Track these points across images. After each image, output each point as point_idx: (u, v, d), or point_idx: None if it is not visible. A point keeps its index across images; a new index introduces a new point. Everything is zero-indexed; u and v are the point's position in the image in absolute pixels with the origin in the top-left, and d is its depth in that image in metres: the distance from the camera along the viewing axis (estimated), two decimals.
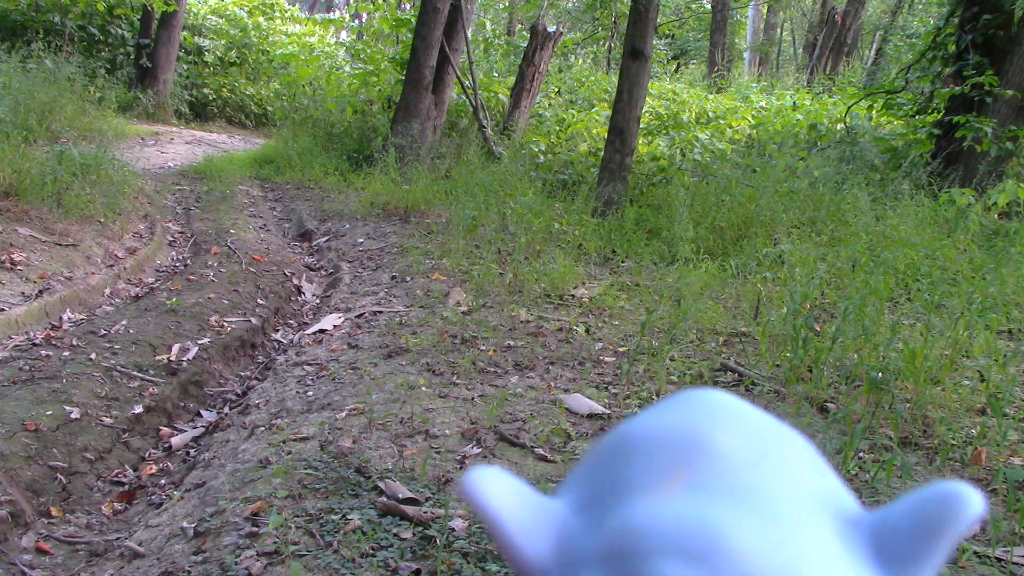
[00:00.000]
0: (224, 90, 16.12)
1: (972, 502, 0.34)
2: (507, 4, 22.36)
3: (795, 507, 0.36)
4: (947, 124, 6.61)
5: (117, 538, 2.50)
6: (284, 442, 2.80)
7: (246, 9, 17.46)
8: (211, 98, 15.87)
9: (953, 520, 0.34)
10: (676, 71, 21.29)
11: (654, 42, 8.16)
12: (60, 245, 5.05)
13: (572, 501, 0.39)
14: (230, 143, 13.38)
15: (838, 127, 8.84)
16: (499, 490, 0.37)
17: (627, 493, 0.37)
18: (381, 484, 2.40)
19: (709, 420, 0.41)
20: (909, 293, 4.14)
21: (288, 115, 12.67)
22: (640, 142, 7.87)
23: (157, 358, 3.82)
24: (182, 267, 5.70)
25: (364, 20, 20.13)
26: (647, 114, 10.00)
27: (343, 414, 3.00)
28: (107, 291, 4.87)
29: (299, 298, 5.43)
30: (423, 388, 3.26)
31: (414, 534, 2.14)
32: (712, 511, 0.35)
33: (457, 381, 3.36)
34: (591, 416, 2.97)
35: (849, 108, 8.78)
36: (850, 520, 0.37)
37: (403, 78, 9.91)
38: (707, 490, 0.36)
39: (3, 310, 4.01)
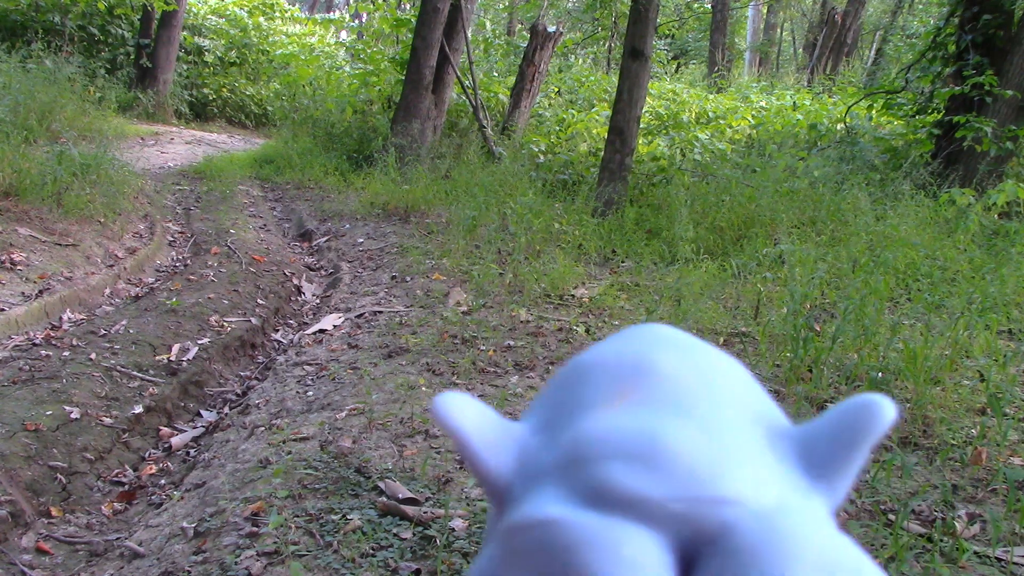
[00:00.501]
0: (224, 90, 16.12)
1: (885, 410, 0.38)
2: (507, 4, 22.36)
3: (730, 419, 0.40)
4: (947, 124, 6.61)
5: (117, 538, 2.50)
6: (284, 442, 2.80)
7: (246, 9, 17.46)
8: (211, 98, 15.87)
9: (868, 428, 0.38)
10: (676, 71, 21.29)
11: (654, 42, 8.16)
12: (60, 245, 5.05)
13: (532, 423, 0.43)
14: (230, 143, 13.39)
15: (838, 127, 8.83)
16: (466, 413, 0.40)
17: (579, 412, 0.41)
18: (381, 484, 2.40)
19: (653, 347, 0.45)
20: (909, 293, 4.14)
21: (288, 115, 12.67)
22: (640, 142, 7.86)
23: (157, 358, 3.82)
24: (182, 267, 5.70)
25: (364, 20, 20.14)
26: (647, 114, 10.00)
27: (343, 414, 3.00)
28: (107, 291, 4.87)
29: (299, 298, 5.43)
30: (423, 388, 3.26)
31: (414, 534, 2.14)
32: (654, 420, 0.38)
33: (457, 381, 3.36)
34: None
35: (849, 108, 8.78)
36: (780, 432, 0.41)
37: (403, 78, 9.91)
38: (650, 405, 0.40)
39: (3, 310, 4.01)
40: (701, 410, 0.40)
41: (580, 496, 0.36)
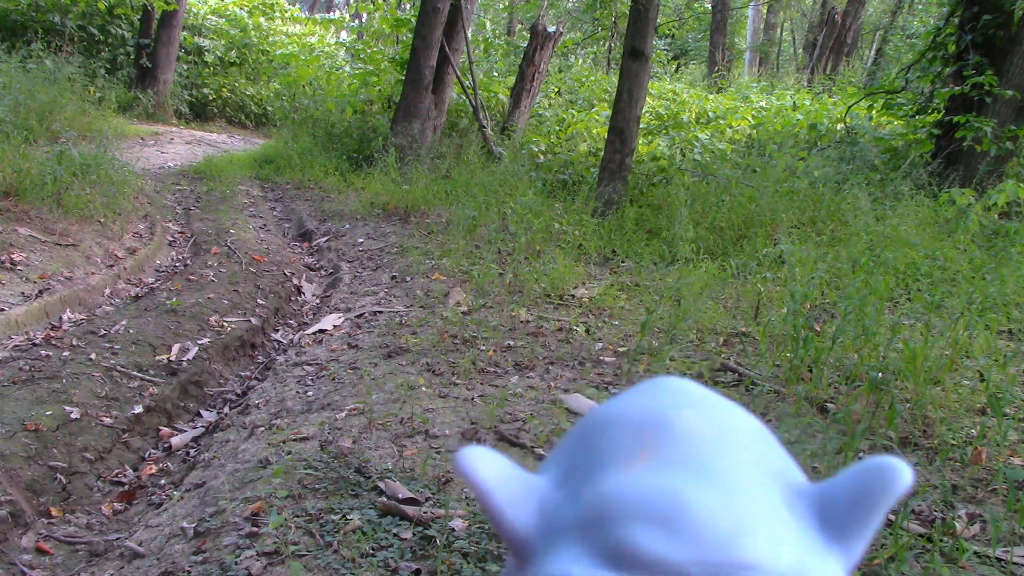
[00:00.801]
0: (224, 90, 16.12)
1: (903, 475, 0.39)
2: (507, 4, 22.36)
3: (748, 479, 0.40)
4: (947, 124, 6.61)
5: (117, 538, 2.50)
6: (284, 442, 2.80)
7: (246, 9, 17.45)
8: (211, 98, 15.87)
9: (886, 491, 0.39)
10: (676, 71, 21.29)
11: (654, 42, 8.16)
12: (60, 245, 5.05)
13: (552, 477, 0.43)
14: (230, 143, 13.39)
15: (838, 127, 8.83)
16: (488, 467, 0.41)
17: (600, 468, 0.42)
18: (381, 484, 2.40)
19: (672, 403, 0.46)
20: (909, 293, 4.14)
21: (288, 115, 12.67)
22: (640, 142, 7.86)
23: (157, 358, 3.82)
24: (182, 267, 5.70)
25: (364, 20, 20.14)
26: (647, 114, 9.99)
27: (343, 414, 3.00)
28: (107, 291, 4.87)
29: (299, 298, 5.43)
30: (423, 388, 3.26)
31: (414, 534, 2.14)
32: (675, 482, 0.39)
33: (457, 381, 3.36)
34: None
35: (849, 108, 8.78)
36: (797, 491, 0.41)
37: (403, 78, 9.91)
38: (670, 464, 0.41)
39: (3, 310, 4.01)
40: (720, 470, 0.40)
41: (602, 556, 0.36)
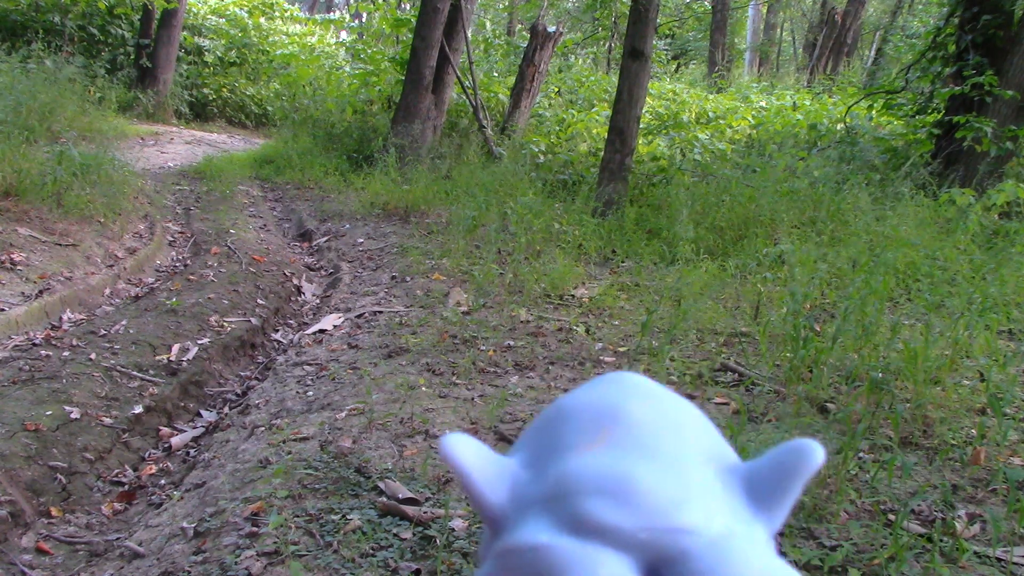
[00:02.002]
0: (224, 90, 16.11)
1: (816, 454, 0.45)
2: (507, 4, 22.36)
3: (687, 459, 0.47)
4: (947, 124, 6.61)
5: (117, 538, 2.50)
6: (284, 442, 2.80)
7: (246, 9, 17.45)
8: (211, 98, 15.86)
9: (802, 468, 0.46)
10: (676, 71, 21.29)
11: (654, 42, 8.16)
12: (60, 245, 5.05)
13: (521, 459, 0.50)
14: (230, 143, 13.38)
15: (838, 127, 8.83)
16: (467, 451, 0.47)
17: (562, 451, 0.48)
18: (381, 484, 2.40)
19: (624, 395, 0.52)
20: (909, 293, 4.14)
21: (288, 115, 12.67)
22: (640, 142, 7.86)
23: (157, 358, 3.82)
24: (182, 267, 5.70)
25: (364, 20, 20.14)
26: (647, 114, 9.99)
27: (343, 414, 3.00)
28: (107, 291, 4.87)
29: (299, 298, 5.43)
30: (423, 388, 3.26)
31: (414, 534, 2.14)
32: (625, 462, 0.45)
33: (457, 381, 3.36)
34: None
35: (849, 108, 8.78)
36: (729, 469, 0.48)
37: (403, 78, 9.91)
38: (621, 447, 0.47)
39: (3, 310, 4.01)
40: (664, 452, 0.47)
41: (563, 525, 0.43)
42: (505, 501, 0.46)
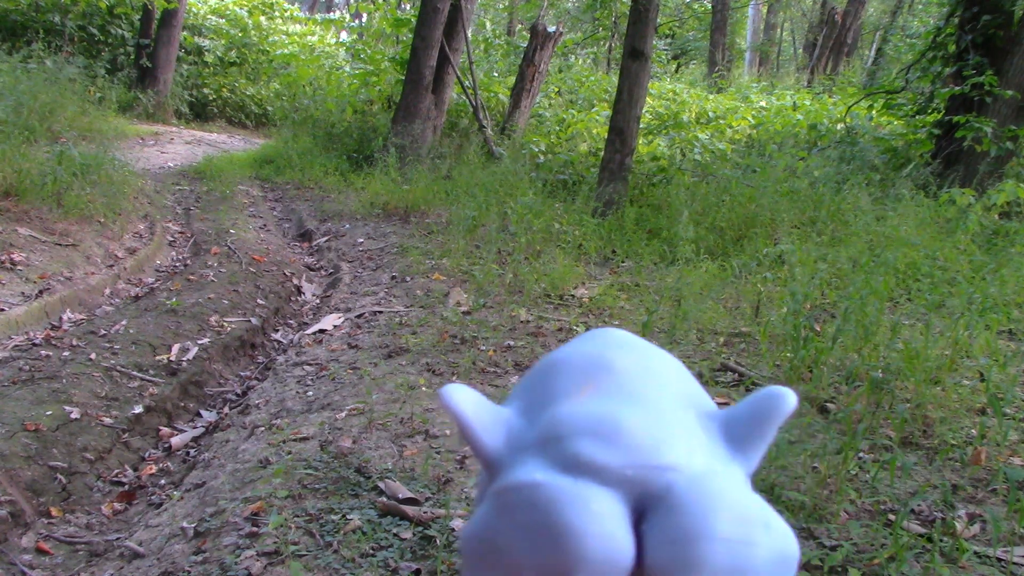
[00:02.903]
0: (224, 90, 16.11)
1: (788, 400, 0.50)
2: (507, 4, 22.35)
3: (669, 404, 0.51)
4: (947, 124, 6.61)
5: (117, 538, 2.50)
6: (284, 442, 2.80)
7: (246, 9, 17.45)
8: (211, 98, 15.86)
9: (776, 413, 0.50)
10: (676, 71, 21.29)
11: (654, 42, 8.16)
12: (60, 245, 5.05)
13: (516, 407, 0.54)
14: (230, 143, 13.38)
15: (838, 127, 8.83)
16: (466, 400, 0.51)
17: (554, 399, 0.52)
18: (381, 484, 2.40)
19: (610, 347, 0.56)
20: (909, 293, 4.14)
21: (288, 115, 12.67)
22: (640, 142, 7.86)
23: (157, 358, 3.82)
24: (182, 267, 5.70)
25: (364, 20, 20.14)
26: (647, 114, 9.99)
27: (343, 414, 3.00)
28: (107, 291, 4.87)
29: (299, 298, 5.43)
30: (423, 388, 3.26)
31: (414, 534, 2.14)
32: (612, 407, 0.49)
33: (457, 381, 3.35)
34: None
35: (849, 108, 8.78)
36: (708, 414, 0.52)
37: (403, 78, 9.91)
38: (608, 394, 0.51)
39: (3, 310, 4.01)
40: (647, 398, 0.51)
41: (556, 465, 0.46)
42: (501, 445, 0.50)
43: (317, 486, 2.42)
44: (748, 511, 0.45)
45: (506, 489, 0.46)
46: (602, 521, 0.43)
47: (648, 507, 0.45)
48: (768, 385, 0.50)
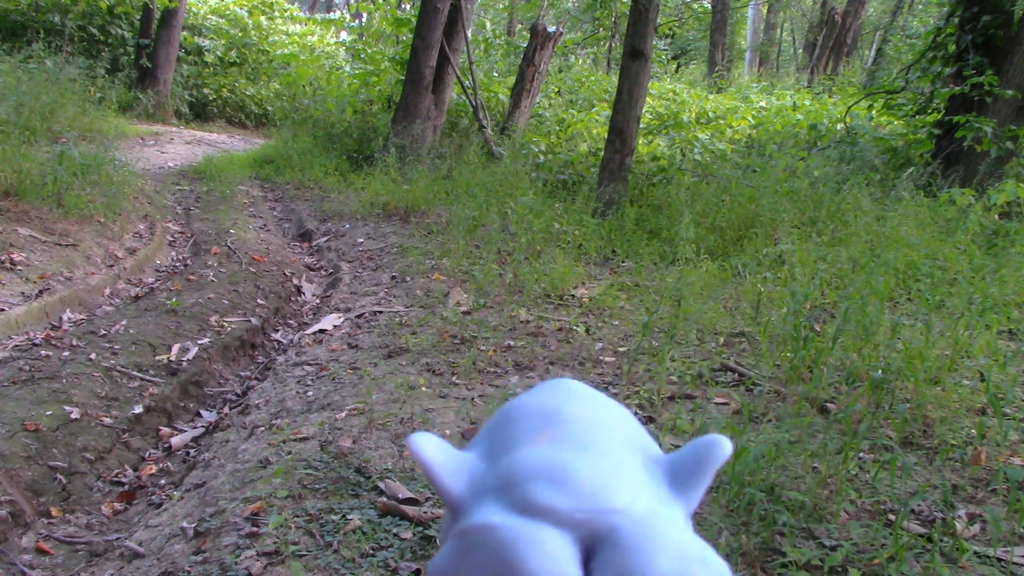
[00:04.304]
0: (224, 90, 16.11)
1: (724, 447, 0.54)
2: (507, 4, 22.35)
3: (617, 451, 0.55)
4: (947, 124, 6.61)
5: (117, 538, 2.50)
6: (284, 442, 2.80)
7: (246, 9, 17.44)
8: (211, 98, 15.86)
9: (713, 458, 0.54)
10: (676, 71, 21.29)
11: (654, 42, 8.16)
12: (60, 245, 5.05)
13: (477, 453, 0.58)
14: (230, 143, 13.38)
15: (838, 127, 8.83)
16: (430, 446, 0.54)
17: (511, 446, 0.56)
18: (381, 484, 2.40)
19: (563, 398, 0.61)
20: (909, 293, 4.14)
21: (288, 115, 12.67)
22: (640, 142, 7.86)
23: (157, 358, 3.82)
24: (182, 267, 5.70)
25: (364, 20, 20.13)
26: (647, 114, 9.99)
27: (343, 414, 3.00)
28: (107, 291, 4.87)
29: (299, 298, 5.43)
30: (423, 388, 3.26)
31: (414, 534, 2.14)
32: (564, 454, 0.53)
33: (457, 381, 3.36)
34: None
35: (849, 108, 8.78)
36: (653, 459, 0.57)
37: (403, 78, 9.91)
38: (561, 442, 0.55)
39: (3, 310, 4.01)
40: (597, 445, 0.55)
41: (513, 507, 0.50)
42: (463, 489, 0.54)
43: (317, 486, 2.42)
44: (687, 550, 0.49)
45: (467, 530, 0.50)
46: (554, 560, 0.47)
47: (596, 547, 0.49)
48: (709, 434, 0.55)
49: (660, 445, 0.58)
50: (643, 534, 0.49)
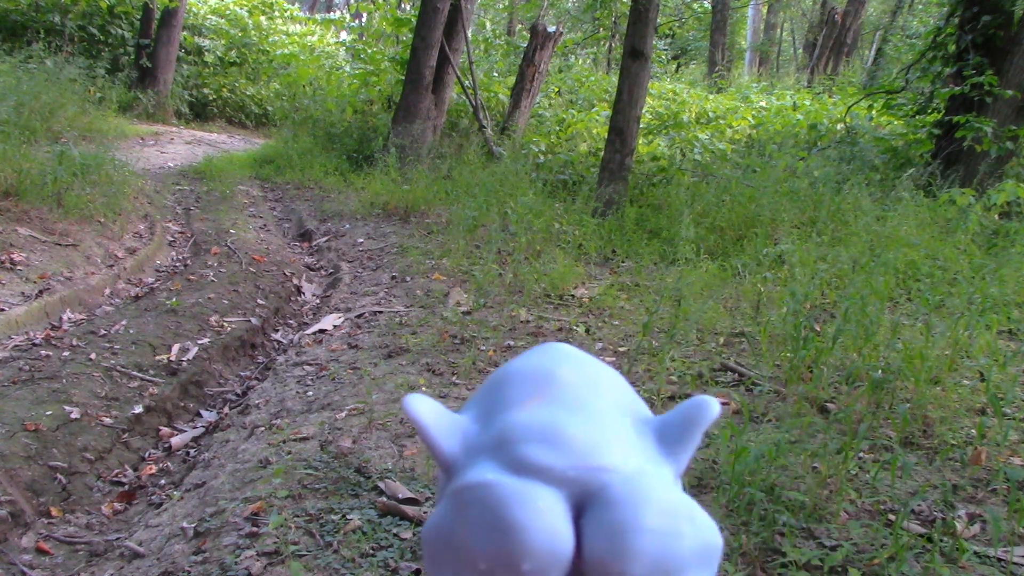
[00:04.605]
0: (224, 90, 16.11)
1: (713, 407, 0.56)
2: (507, 4, 22.35)
3: (607, 412, 0.57)
4: (947, 124, 6.61)
5: (117, 538, 2.50)
6: (284, 442, 2.80)
7: (246, 9, 17.44)
8: (211, 98, 15.86)
9: (701, 419, 0.56)
10: (676, 71, 21.29)
11: (654, 42, 8.16)
12: (60, 245, 5.05)
13: (471, 415, 0.60)
14: (230, 143, 13.38)
15: (838, 127, 8.83)
16: (425, 408, 0.56)
17: (504, 408, 0.57)
18: (381, 484, 2.40)
19: (555, 361, 0.63)
20: (909, 293, 4.14)
21: (288, 115, 12.67)
22: (640, 142, 7.86)
23: (157, 358, 3.82)
24: (182, 267, 5.70)
25: (364, 20, 20.14)
26: (647, 114, 9.99)
27: (343, 414, 3.00)
28: (107, 291, 4.87)
29: (299, 298, 5.43)
30: (423, 388, 3.26)
31: (414, 534, 2.14)
32: (556, 415, 0.55)
33: (457, 381, 3.36)
34: None
35: (849, 108, 8.78)
36: (643, 420, 0.58)
37: (403, 78, 9.91)
38: (553, 404, 0.57)
39: (3, 310, 4.01)
40: (588, 407, 0.56)
41: (506, 466, 0.52)
42: (457, 449, 0.55)
43: (317, 486, 2.42)
44: (675, 506, 0.51)
45: (461, 489, 0.51)
46: (546, 516, 0.49)
47: (586, 504, 0.50)
48: (697, 396, 0.56)
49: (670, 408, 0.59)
50: (632, 491, 0.51)
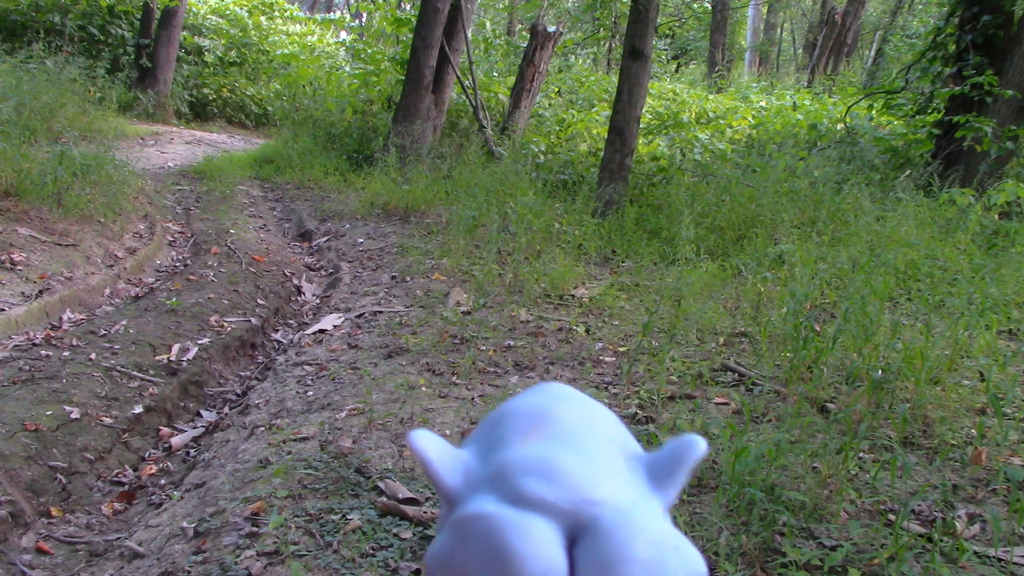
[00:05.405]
0: (224, 90, 16.11)
1: (700, 446, 0.59)
2: (507, 4, 22.34)
3: (600, 449, 0.60)
4: (947, 124, 6.61)
5: (117, 538, 2.50)
6: (284, 442, 2.80)
7: (246, 9, 17.44)
8: (211, 98, 15.86)
9: (690, 456, 0.59)
10: (676, 71, 21.29)
11: (654, 42, 8.16)
12: (60, 245, 5.05)
13: (472, 450, 0.63)
14: (230, 143, 13.38)
15: (838, 127, 8.83)
16: (429, 443, 0.60)
17: (503, 444, 0.61)
18: (381, 484, 2.40)
19: (551, 400, 0.66)
20: (909, 293, 4.14)
21: (288, 115, 12.67)
22: (640, 142, 7.86)
23: (157, 358, 3.82)
24: (182, 267, 5.70)
25: (364, 20, 20.13)
26: (647, 114, 9.99)
27: (343, 414, 3.00)
28: (107, 291, 4.87)
29: (299, 298, 5.43)
30: (423, 388, 3.26)
31: (414, 534, 2.14)
32: (551, 451, 0.58)
33: (457, 381, 3.36)
34: None
35: (849, 108, 8.78)
36: (634, 457, 0.62)
37: (403, 78, 9.91)
38: (549, 440, 0.60)
39: (3, 310, 4.01)
40: (582, 443, 0.60)
41: (505, 499, 0.54)
42: (459, 482, 0.58)
43: (317, 486, 2.42)
44: (663, 538, 0.53)
45: (463, 519, 0.54)
46: (541, 546, 0.51)
47: (580, 534, 0.53)
48: (686, 435, 0.59)
49: (660, 444, 0.63)
50: (622, 523, 0.53)
